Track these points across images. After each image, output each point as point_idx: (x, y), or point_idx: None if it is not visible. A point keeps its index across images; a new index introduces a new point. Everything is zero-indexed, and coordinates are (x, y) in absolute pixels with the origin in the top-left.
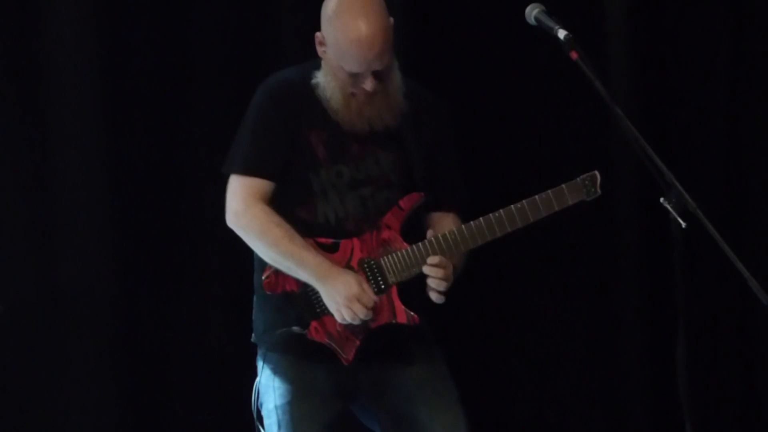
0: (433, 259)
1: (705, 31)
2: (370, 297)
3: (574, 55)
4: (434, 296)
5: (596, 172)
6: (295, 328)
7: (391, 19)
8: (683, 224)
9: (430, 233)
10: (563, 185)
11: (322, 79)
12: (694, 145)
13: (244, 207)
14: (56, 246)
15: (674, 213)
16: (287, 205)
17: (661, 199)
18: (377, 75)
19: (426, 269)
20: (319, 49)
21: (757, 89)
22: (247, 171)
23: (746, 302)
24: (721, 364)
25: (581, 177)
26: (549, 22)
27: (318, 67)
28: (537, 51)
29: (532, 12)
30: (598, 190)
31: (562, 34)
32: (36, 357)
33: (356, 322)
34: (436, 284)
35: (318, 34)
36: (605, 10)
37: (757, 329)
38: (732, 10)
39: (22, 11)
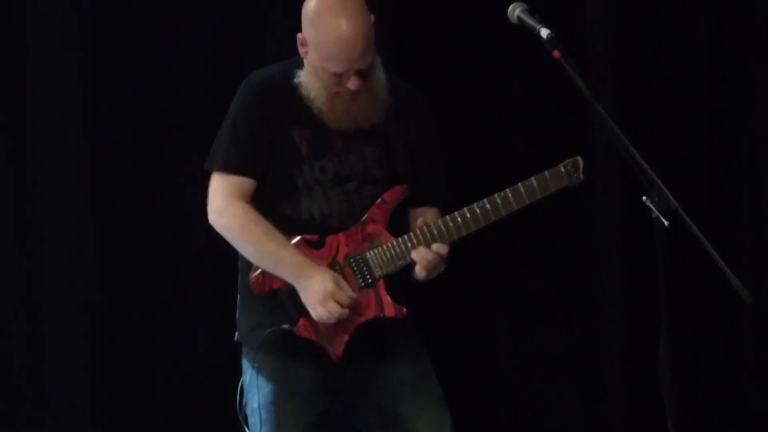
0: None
1: (686, 30)
2: (347, 295)
3: (556, 53)
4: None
5: (579, 158)
6: (285, 326)
7: (372, 17)
8: (666, 223)
9: (421, 221)
10: (545, 172)
11: (305, 79)
12: (677, 144)
13: (224, 205)
14: (38, 249)
15: (657, 212)
16: (272, 202)
17: (644, 198)
18: (361, 73)
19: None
20: (301, 50)
21: (739, 88)
22: (228, 168)
23: (728, 300)
24: (704, 362)
25: (564, 163)
26: (531, 21)
27: (301, 65)
28: (520, 47)
29: (514, 11)
30: (581, 176)
31: (544, 33)
32: (18, 361)
33: (332, 320)
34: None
35: (299, 34)
36: (586, 8)
37: (739, 327)
38: (713, 8)
39: (5, 13)
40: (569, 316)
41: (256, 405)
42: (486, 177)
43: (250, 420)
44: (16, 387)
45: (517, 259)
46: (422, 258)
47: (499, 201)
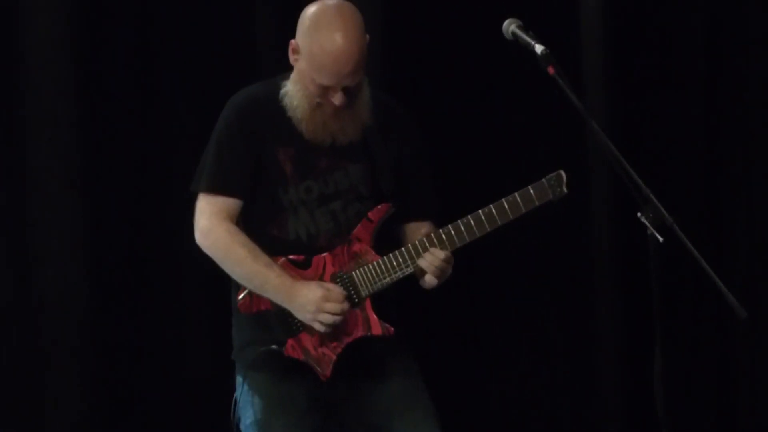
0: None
1: (681, 45)
2: (338, 293)
3: (551, 69)
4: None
5: (561, 171)
6: (273, 347)
7: (367, 37)
8: (660, 239)
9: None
10: (529, 187)
11: (290, 87)
12: (671, 159)
13: (209, 226)
14: (30, 260)
15: (651, 228)
16: (259, 222)
17: (639, 214)
18: (347, 91)
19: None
20: (292, 57)
21: (734, 103)
22: (213, 189)
23: (723, 315)
24: (698, 377)
25: (547, 177)
26: (526, 37)
27: (287, 78)
28: (514, 61)
29: (509, 27)
30: (564, 190)
31: (539, 49)
32: (8, 371)
33: (337, 322)
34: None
35: (293, 41)
36: (580, 24)
37: (733, 343)
38: (707, 22)
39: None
40: (564, 331)
41: (249, 421)
42: (477, 191)
43: None
44: (8, 392)
45: (512, 276)
46: (429, 264)
47: (483, 216)
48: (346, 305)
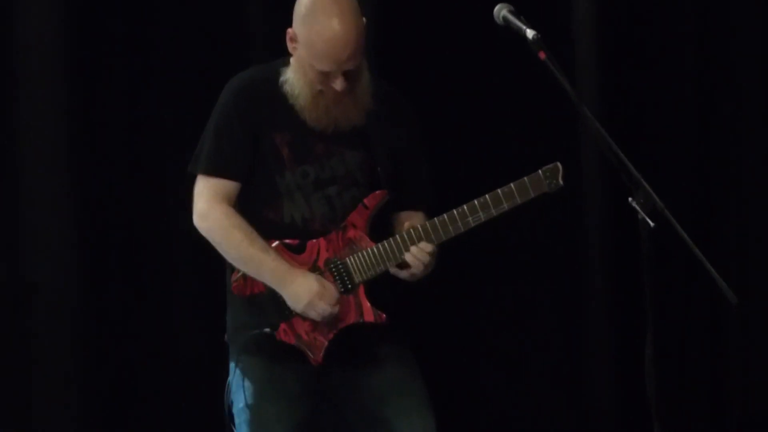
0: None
1: (672, 31)
2: (333, 293)
3: (542, 55)
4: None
5: (558, 163)
6: (266, 330)
7: (364, 20)
8: (651, 224)
9: (408, 225)
10: (525, 178)
11: (290, 75)
12: (662, 145)
13: (207, 208)
14: (22, 245)
15: (642, 213)
16: (255, 205)
17: (630, 199)
18: (347, 75)
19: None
20: (290, 46)
21: (725, 89)
22: (211, 171)
23: (714, 301)
24: (690, 362)
25: (543, 169)
26: (517, 22)
27: (286, 64)
28: (505, 49)
29: (500, 12)
30: (560, 182)
31: (530, 34)
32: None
33: (325, 319)
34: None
35: (289, 30)
36: (572, 10)
37: (725, 328)
38: (698, 9)
39: None
40: (555, 317)
41: (241, 405)
42: (469, 181)
43: (237, 420)
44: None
45: (502, 261)
46: (413, 257)
47: (478, 206)
48: (336, 308)
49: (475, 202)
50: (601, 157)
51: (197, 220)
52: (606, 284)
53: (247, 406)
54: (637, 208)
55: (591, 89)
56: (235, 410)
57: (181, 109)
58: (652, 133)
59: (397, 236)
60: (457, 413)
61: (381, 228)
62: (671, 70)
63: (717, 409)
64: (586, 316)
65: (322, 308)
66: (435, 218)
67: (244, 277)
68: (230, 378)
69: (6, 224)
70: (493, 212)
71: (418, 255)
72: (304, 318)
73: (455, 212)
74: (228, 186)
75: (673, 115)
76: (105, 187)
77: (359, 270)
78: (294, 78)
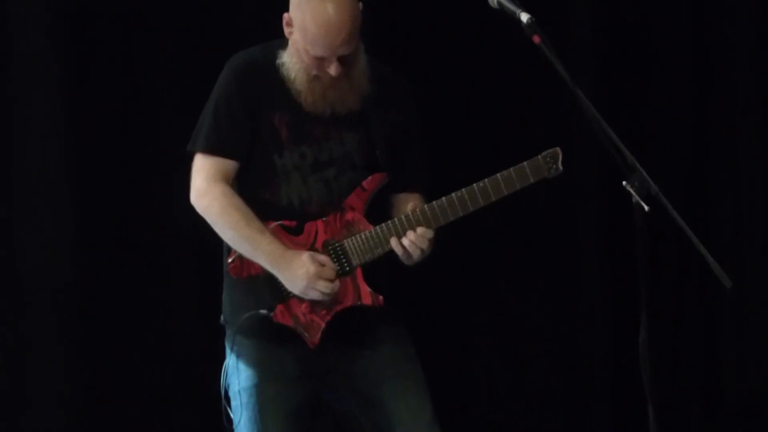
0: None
1: (668, 14)
2: (331, 269)
3: (536, 38)
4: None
5: (558, 149)
6: (263, 311)
7: (360, 5)
8: (646, 208)
9: (411, 206)
10: (524, 163)
11: (287, 59)
12: (657, 129)
13: (205, 187)
14: (14, 222)
15: (637, 197)
16: (252, 186)
17: (624, 183)
18: (343, 60)
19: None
20: (286, 30)
21: (721, 73)
22: (210, 150)
23: (708, 285)
24: (684, 348)
25: (542, 154)
26: (511, 6)
27: (284, 46)
28: (501, 33)
29: None
30: (560, 167)
31: (524, 17)
32: None
33: (327, 299)
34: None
35: (285, 15)
36: None
37: (719, 312)
38: None
39: None
40: (550, 300)
41: (237, 388)
42: (466, 166)
43: (233, 402)
44: None
45: (498, 243)
46: (409, 242)
47: (477, 191)
48: (337, 285)
49: (474, 186)
50: (596, 140)
51: (194, 199)
52: (600, 268)
53: (242, 388)
54: (632, 191)
55: (586, 72)
56: (231, 393)
57: (178, 104)
58: (647, 117)
59: (396, 219)
60: (453, 395)
61: (378, 210)
62: (667, 53)
63: (712, 396)
64: (580, 300)
65: (322, 286)
66: (434, 202)
67: (241, 258)
68: (226, 360)
69: (4, 223)
70: (492, 197)
71: (416, 241)
72: (301, 299)
73: (454, 197)
74: (227, 165)
75: (668, 99)
76: (98, 166)
77: (357, 252)
78: (290, 62)
